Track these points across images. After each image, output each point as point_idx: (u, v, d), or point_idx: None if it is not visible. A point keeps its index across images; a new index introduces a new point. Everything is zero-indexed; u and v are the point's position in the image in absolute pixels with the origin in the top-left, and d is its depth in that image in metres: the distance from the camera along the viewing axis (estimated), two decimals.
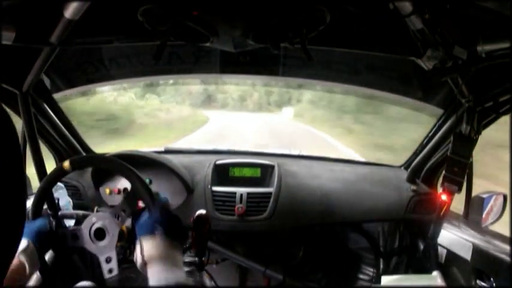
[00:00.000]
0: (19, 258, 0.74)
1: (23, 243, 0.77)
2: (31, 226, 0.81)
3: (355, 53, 1.14)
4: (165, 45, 0.86)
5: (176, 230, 0.75)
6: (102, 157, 1.06)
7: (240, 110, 16.61)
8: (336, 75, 1.41)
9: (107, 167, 1.23)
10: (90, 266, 1.37)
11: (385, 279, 1.29)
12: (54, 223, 1.00)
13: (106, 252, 0.83)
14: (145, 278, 0.67)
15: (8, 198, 0.35)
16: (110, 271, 0.83)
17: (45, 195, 0.86)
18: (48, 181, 0.85)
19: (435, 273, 1.29)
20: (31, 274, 0.77)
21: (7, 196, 0.35)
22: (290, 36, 0.83)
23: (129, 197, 0.84)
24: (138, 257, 0.70)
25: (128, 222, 0.90)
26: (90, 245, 0.83)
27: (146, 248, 0.68)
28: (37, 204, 0.84)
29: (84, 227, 0.84)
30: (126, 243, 0.88)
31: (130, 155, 1.41)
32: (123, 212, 0.83)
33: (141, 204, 0.84)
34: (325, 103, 11.86)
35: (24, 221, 0.39)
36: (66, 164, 0.82)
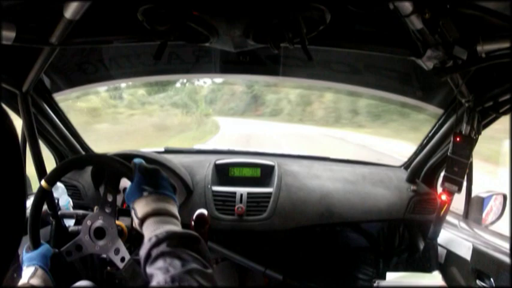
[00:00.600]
0: (30, 283, 0.74)
1: (30, 269, 0.78)
2: (33, 254, 0.82)
3: (355, 53, 1.14)
4: (165, 45, 0.86)
5: (160, 182, 0.72)
6: (71, 160, 1.06)
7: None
8: (336, 75, 1.41)
9: (81, 166, 1.24)
10: (90, 266, 1.37)
11: (390, 276, 1.28)
12: (54, 223, 1.01)
13: (107, 251, 0.83)
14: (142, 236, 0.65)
15: (7, 198, 0.35)
16: (122, 260, 0.83)
17: (38, 221, 0.86)
18: (34, 206, 0.85)
19: (436, 273, 1.29)
20: None
21: (6, 196, 0.35)
22: (290, 36, 0.83)
23: (109, 180, 0.84)
24: (134, 221, 0.69)
25: (127, 221, 0.90)
26: (90, 245, 0.84)
27: (138, 209, 0.66)
28: (33, 235, 0.84)
29: (84, 227, 0.84)
30: (127, 242, 0.88)
31: (130, 154, 1.41)
32: (108, 198, 0.83)
33: (122, 184, 0.84)
34: None
35: (23, 221, 0.39)
36: (44, 183, 0.82)
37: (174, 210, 0.68)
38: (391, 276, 1.27)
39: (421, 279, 1.24)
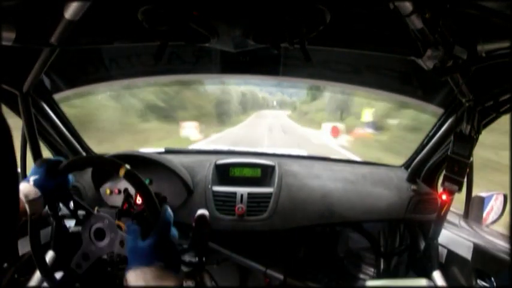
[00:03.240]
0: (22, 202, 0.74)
1: (35, 191, 0.76)
2: (50, 182, 0.80)
3: (355, 53, 1.14)
4: (165, 45, 0.86)
5: (175, 262, 0.65)
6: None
7: None
8: (336, 75, 1.41)
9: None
10: (91, 267, 1.37)
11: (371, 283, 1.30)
12: (54, 223, 1.00)
13: (107, 251, 0.83)
14: None
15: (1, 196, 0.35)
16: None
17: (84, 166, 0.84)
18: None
19: (435, 273, 1.29)
20: (32, 215, 0.76)
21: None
22: (290, 37, 0.83)
23: (139, 216, 0.82)
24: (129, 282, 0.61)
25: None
26: (90, 245, 0.83)
27: (145, 279, 0.59)
28: (74, 163, 0.81)
29: (85, 227, 0.84)
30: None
31: (131, 155, 1.41)
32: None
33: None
34: None
35: (16, 219, 0.39)
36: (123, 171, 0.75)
37: None
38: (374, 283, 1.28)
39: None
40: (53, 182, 0.81)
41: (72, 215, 0.87)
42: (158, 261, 0.62)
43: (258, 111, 28.62)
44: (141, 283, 0.59)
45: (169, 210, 0.69)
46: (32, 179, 0.79)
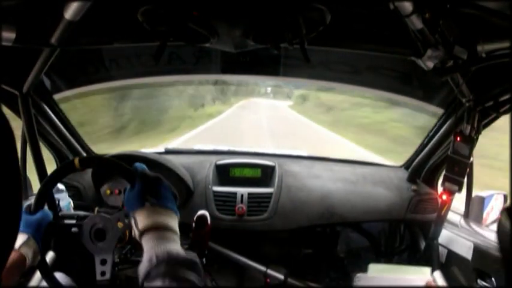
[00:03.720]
0: (20, 251, 0.73)
1: (23, 236, 0.76)
2: (31, 219, 0.79)
3: (355, 53, 1.14)
4: (164, 45, 0.86)
5: (162, 192, 0.70)
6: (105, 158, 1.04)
7: None
8: (336, 75, 1.41)
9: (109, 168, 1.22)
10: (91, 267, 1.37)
11: (373, 268, 1.28)
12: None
13: (104, 253, 0.83)
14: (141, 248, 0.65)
15: (3, 199, 0.35)
16: (103, 274, 0.82)
17: (51, 187, 0.85)
18: (57, 172, 0.82)
19: (437, 272, 1.29)
20: (32, 266, 0.76)
21: (2, 196, 0.35)
22: (290, 37, 0.83)
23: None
24: (134, 231, 0.68)
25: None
26: (90, 245, 0.83)
27: (139, 220, 0.66)
28: (39, 196, 0.82)
29: (85, 227, 0.84)
30: (127, 244, 0.88)
31: (131, 155, 1.41)
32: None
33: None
34: None
35: (19, 222, 0.39)
36: (76, 161, 0.78)
37: (175, 224, 0.68)
38: (373, 269, 1.27)
39: (406, 273, 1.23)
40: (33, 219, 0.80)
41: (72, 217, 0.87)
42: (149, 200, 0.67)
43: (247, 99, 19.13)
44: (140, 224, 0.65)
45: (139, 164, 0.74)
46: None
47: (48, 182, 0.82)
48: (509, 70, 0.91)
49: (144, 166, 0.74)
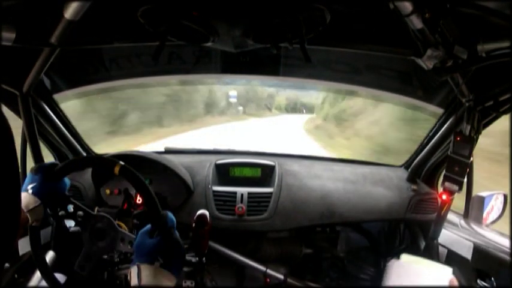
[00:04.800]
0: (26, 213, 0.75)
1: (35, 202, 0.77)
2: (48, 186, 0.80)
3: (355, 52, 1.14)
4: (163, 45, 0.86)
5: (176, 260, 0.70)
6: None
7: None
8: (336, 75, 1.41)
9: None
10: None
11: (405, 257, 1.27)
12: (54, 224, 1.00)
13: (107, 252, 0.83)
14: None
15: (2, 199, 0.35)
16: (82, 268, 0.83)
17: (81, 166, 0.87)
18: (93, 159, 0.84)
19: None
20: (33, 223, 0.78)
21: (1, 196, 0.35)
22: (290, 37, 0.83)
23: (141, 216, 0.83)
24: (133, 280, 0.67)
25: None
26: (90, 245, 0.83)
27: (144, 274, 0.66)
28: (68, 165, 0.81)
29: (85, 227, 0.84)
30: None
31: (130, 155, 1.41)
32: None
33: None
34: None
35: (19, 221, 0.39)
36: (117, 169, 0.75)
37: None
38: (405, 258, 1.25)
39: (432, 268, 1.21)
40: (50, 187, 0.81)
41: (72, 217, 0.87)
42: (159, 260, 0.67)
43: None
44: (141, 278, 0.65)
45: (170, 214, 0.73)
46: (30, 187, 0.79)
47: (82, 160, 0.80)
48: (509, 70, 0.91)
49: (173, 220, 0.73)
